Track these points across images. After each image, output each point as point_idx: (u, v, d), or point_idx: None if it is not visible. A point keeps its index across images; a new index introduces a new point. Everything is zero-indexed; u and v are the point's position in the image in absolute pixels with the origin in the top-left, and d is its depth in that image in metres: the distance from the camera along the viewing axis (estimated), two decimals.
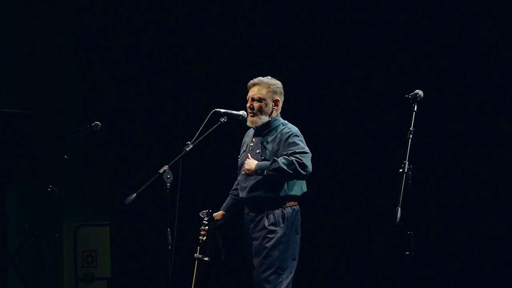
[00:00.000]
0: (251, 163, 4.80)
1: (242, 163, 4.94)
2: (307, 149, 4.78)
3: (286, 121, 4.96)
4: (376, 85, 6.34)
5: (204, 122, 4.84)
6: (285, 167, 4.67)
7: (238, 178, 5.00)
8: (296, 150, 4.73)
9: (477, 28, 6.04)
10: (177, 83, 7.21)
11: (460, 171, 6.04)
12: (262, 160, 4.81)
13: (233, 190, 5.12)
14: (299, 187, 4.84)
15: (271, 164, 4.72)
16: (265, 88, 4.91)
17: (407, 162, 4.22)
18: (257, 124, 4.91)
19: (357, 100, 6.43)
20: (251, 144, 4.94)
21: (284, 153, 4.76)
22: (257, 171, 4.76)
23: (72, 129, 7.71)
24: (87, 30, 8.72)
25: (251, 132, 5.03)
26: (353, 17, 6.50)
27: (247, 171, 4.80)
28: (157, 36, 7.30)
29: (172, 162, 4.72)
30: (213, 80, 6.96)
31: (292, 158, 4.69)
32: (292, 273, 4.79)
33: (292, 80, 5.45)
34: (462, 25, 6.09)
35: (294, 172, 4.69)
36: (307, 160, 4.72)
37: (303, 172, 4.70)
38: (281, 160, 4.70)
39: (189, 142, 4.82)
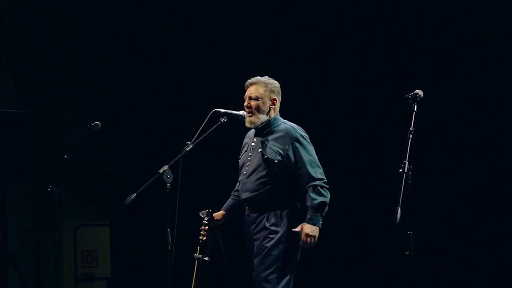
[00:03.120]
0: (311, 232, 4.64)
1: (243, 164, 4.94)
2: (317, 161, 4.77)
3: (286, 120, 4.96)
4: (376, 85, 6.34)
5: (204, 122, 4.84)
6: (323, 199, 4.67)
7: (239, 178, 4.99)
8: (310, 169, 4.70)
9: (477, 28, 6.04)
10: (177, 83, 7.21)
11: (460, 171, 6.04)
12: (264, 158, 4.80)
13: (234, 191, 5.10)
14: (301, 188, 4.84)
15: (316, 209, 4.65)
16: (262, 87, 4.91)
17: (407, 162, 4.21)
18: (256, 124, 4.89)
19: (357, 100, 6.44)
20: (252, 144, 4.94)
21: (297, 164, 4.74)
22: (318, 224, 4.67)
23: (72, 129, 7.70)
24: (87, 30, 8.72)
25: (251, 133, 5.02)
26: (353, 17, 6.50)
27: (316, 239, 4.67)
28: (157, 36, 7.30)
29: (172, 162, 4.72)
30: (213, 80, 6.97)
31: (315, 184, 4.68)
32: (293, 274, 4.77)
33: (292, 80, 5.46)
34: (462, 25, 6.09)
35: (328, 192, 4.71)
36: (323, 175, 4.74)
37: (328, 186, 4.74)
38: (317, 198, 4.65)
39: (189, 142, 4.81)
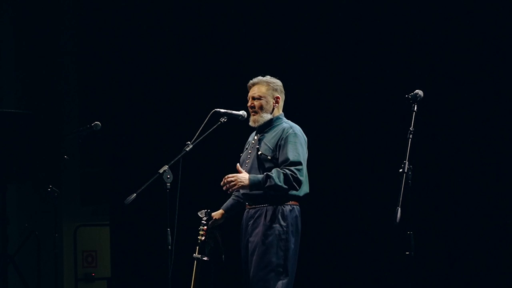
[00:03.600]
0: (242, 178, 4.72)
1: (243, 161, 4.94)
2: (302, 159, 4.74)
3: (289, 121, 4.96)
4: (376, 85, 6.33)
5: (204, 122, 4.84)
6: (281, 184, 4.64)
7: None
8: (291, 159, 4.68)
9: (477, 28, 6.03)
10: (177, 83, 7.21)
11: (460, 171, 6.04)
12: (259, 155, 4.80)
13: (236, 191, 5.10)
14: (301, 188, 4.83)
15: (265, 180, 4.67)
16: (264, 86, 4.92)
17: (407, 162, 4.21)
18: (260, 123, 4.90)
19: (357, 100, 6.43)
20: (253, 142, 4.95)
21: (280, 157, 4.73)
22: (251, 186, 4.70)
23: (72, 129, 7.71)
24: (87, 30, 8.73)
25: (255, 131, 5.03)
26: (353, 17, 6.50)
27: (239, 185, 4.72)
28: (157, 36, 7.30)
29: (172, 162, 4.72)
30: (213, 80, 6.96)
31: (287, 171, 4.66)
32: (292, 274, 4.75)
33: (292, 80, 5.45)
34: (461, 25, 6.09)
35: (290, 187, 4.68)
36: (301, 173, 4.70)
37: (298, 187, 4.70)
38: (275, 176, 4.65)
39: (189, 142, 4.81)
